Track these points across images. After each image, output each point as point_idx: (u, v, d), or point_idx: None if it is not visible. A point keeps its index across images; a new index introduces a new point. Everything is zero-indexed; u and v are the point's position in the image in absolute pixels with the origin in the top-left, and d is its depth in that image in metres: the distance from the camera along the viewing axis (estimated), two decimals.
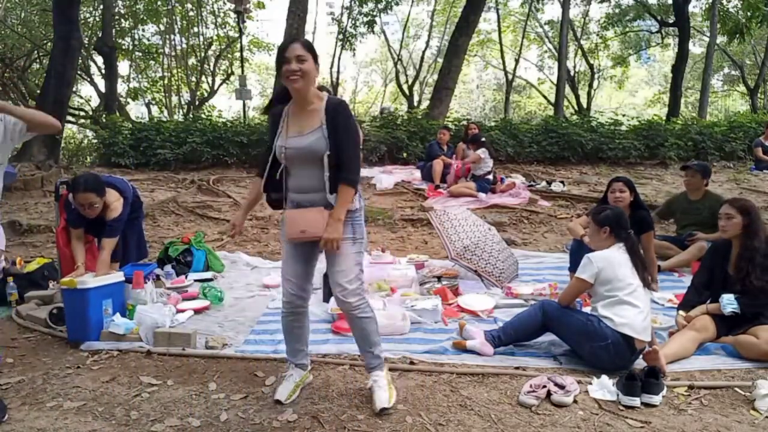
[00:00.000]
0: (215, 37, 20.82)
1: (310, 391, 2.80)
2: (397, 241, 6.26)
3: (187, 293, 4.32)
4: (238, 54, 17.49)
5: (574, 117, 14.16)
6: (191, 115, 14.75)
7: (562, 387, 2.70)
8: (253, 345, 3.46)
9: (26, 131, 2.79)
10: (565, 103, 19.26)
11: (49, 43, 15.82)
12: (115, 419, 2.57)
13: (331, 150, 2.48)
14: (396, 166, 10.07)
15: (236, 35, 17.68)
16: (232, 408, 2.66)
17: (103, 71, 18.99)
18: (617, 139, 10.70)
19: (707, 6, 18.29)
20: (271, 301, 4.28)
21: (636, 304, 3.00)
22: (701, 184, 5.18)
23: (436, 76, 16.92)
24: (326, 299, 4.11)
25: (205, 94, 21.26)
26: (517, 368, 3.06)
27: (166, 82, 21.22)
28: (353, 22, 18.81)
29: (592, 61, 24.30)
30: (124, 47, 19.81)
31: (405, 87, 22.81)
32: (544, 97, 25.73)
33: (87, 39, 17.68)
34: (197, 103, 20.36)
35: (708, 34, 17.51)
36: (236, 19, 15.36)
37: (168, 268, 4.69)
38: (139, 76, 22.01)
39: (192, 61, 21.04)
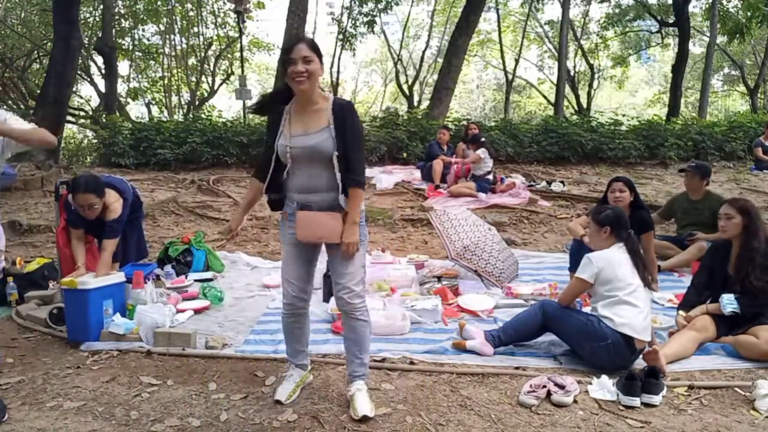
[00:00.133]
0: (215, 37, 20.82)
1: (310, 391, 2.80)
2: (397, 241, 6.26)
3: (187, 293, 4.32)
4: (238, 54, 17.49)
5: (574, 117, 14.17)
6: (191, 115, 14.74)
7: (562, 387, 2.70)
8: (253, 345, 3.46)
9: (18, 144, 2.80)
10: (565, 103, 19.26)
11: (49, 43, 15.81)
12: (115, 419, 2.57)
13: (339, 150, 2.47)
14: (396, 166, 10.07)
15: (236, 35, 17.69)
16: (232, 408, 2.66)
17: (103, 71, 18.99)
18: (617, 139, 10.69)
19: (707, 6, 18.29)
20: (271, 301, 4.28)
21: (636, 304, 3.00)
22: (701, 184, 5.18)
23: (436, 76, 16.92)
24: (326, 299, 4.11)
25: (205, 94, 21.26)
26: (517, 368, 3.07)
27: (166, 82, 21.22)
28: (353, 22, 18.81)
29: (592, 61, 24.29)
30: (124, 47, 19.81)
31: (405, 87, 22.81)
32: (544, 97, 25.72)
33: (87, 39, 17.68)
34: (197, 103, 20.35)
35: (708, 34, 17.51)
36: (236, 19, 15.35)
37: (168, 268, 4.69)
38: (139, 76, 22.01)
39: (192, 61, 21.04)
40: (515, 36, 25.38)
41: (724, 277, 3.42)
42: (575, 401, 2.69)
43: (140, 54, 21.16)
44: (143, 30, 20.70)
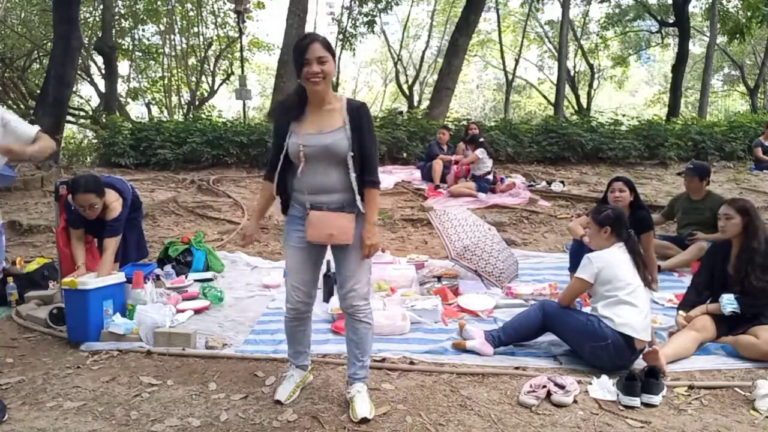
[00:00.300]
0: (215, 37, 20.83)
1: (310, 391, 2.80)
2: (397, 241, 6.26)
3: (187, 293, 4.32)
4: (238, 54, 17.50)
5: (574, 117, 14.14)
6: (191, 115, 14.75)
7: (562, 387, 2.70)
8: (253, 345, 3.46)
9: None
10: (565, 103, 19.25)
11: (49, 43, 15.81)
12: (115, 419, 2.57)
13: (354, 152, 2.46)
14: (396, 166, 10.06)
15: (236, 35, 17.69)
16: (232, 408, 2.66)
17: (103, 71, 19.00)
18: (617, 139, 10.68)
19: (707, 6, 18.32)
20: (271, 301, 4.28)
21: (636, 304, 3.00)
22: (701, 185, 5.19)
23: (436, 76, 16.92)
24: (326, 299, 4.11)
25: (205, 94, 21.26)
26: (517, 368, 3.07)
27: (166, 82, 21.22)
28: (353, 22, 18.82)
29: (592, 61, 24.30)
30: (124, 47, 19.81)
31: (405, 87, 22.81)
32: (544, 97, 25.73)
33: (87, 39, 17.68)
34: (197, 103, 20.35)
35: (708, 34, 17.52)
36: (236, 19, 15.36)
37: (168, 268, 4.69)
38: (139, 76, 22.01)
39: (192, 61, 21.03)
40: (515, 36, 25.38)
41: (724, 277, 3.42)
42: (575, 401, 2.69)
43: (140, 54, 21.16)
44: (143, 30, 20.73)
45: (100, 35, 17.45)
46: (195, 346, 3.36)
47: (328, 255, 2.72)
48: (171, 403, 2.72)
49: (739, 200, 3.55)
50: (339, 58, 19.98)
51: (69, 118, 17.48)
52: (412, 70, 24.42)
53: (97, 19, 18.57)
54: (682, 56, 17.14)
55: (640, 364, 3.00)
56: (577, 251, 4.16)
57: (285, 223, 2.67)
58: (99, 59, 19.07)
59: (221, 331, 3.70)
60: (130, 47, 20.41)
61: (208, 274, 4.87)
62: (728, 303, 3.26)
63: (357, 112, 2.50)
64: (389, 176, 9.07)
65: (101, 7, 17.22)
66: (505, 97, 23.25)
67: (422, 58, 23.46)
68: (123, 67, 20.70)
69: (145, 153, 9.90)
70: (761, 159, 9.71)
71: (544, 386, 2.72)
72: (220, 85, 21.50)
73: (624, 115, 11.70)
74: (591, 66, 24.15)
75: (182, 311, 3.91)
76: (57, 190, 4.29)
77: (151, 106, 21.82)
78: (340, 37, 19.07)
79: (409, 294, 4.19)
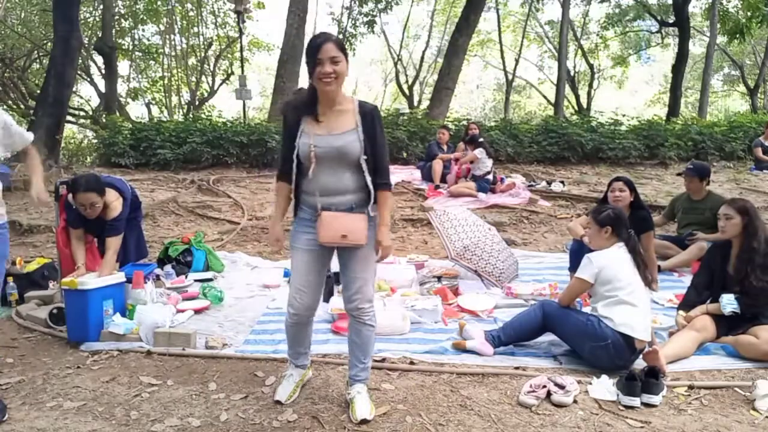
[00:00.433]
0: (215, 37, 20.83)
1: (310, 391, 2.80)
2: (397, 241, 6.26)
3: (187, 293, 4.32)
4: (238, 54, 17.49)
5: (574, 117, 14.14)
6: (191, 115, 14.74)
7: (562, 387, 2.70)
8: (253, 345, 3.46)
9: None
10: (565, 103, 19.26)
11: (49, 43, 15.82)
12: (115, 419, 2.57)
13: (367, 154, 2.45)
14: (396, 166, 10.05)
15: (236, 35, 17.68)
16: (232, 408, 2.66)
17: (103, 71, 19.00)
18: (617, 139, 10.68)
19: (707, 6, 18.31)
20: (271, 301, 4.28)
21: (636, 304, 3.00)
22: (701, 185, 5.19)
23: (436, 76, 16.92)
24: (326, 299, 4.11)
25: (205, 94, 21.26)
26: (517, 368, 3.07)
27: (166, 82, 21.22)
28: (353, 22, 18.82)
29: (592, 61, 24.30)
30: (124, 47, 19.81)
31: (405, 87, 22.81)
32: (544, 97, 25.73)
33: (87, 39, 17.68)
34: (197, 103, 20.35)
35: (708, 34, 17.52)
36: (236, 19, 15.35)
37: (168, 268, 4.69)
38: (139, 76, 22.01)
39: (192, 61, 21.04)
40: (515, 36, 25.39)
41: (724, 277, 3.42)
42: (575, 401, 2.69)
43: (140, 54, 21.16)
44: (143, 30, 20.74)
45: (100, 35, 17.45)
46: (195, 346, 3.36)
47: None
48: (171, 403, 2.72)
49: (739, 200, 3.55)
50: None
51: (69, 118, 17.49)
52: (412, 70, 24.43)
53: (97, 19, 18.57)
54: (682, 56, 17.14)
55: (640, 364, 3.00)
56: (577, 251, 4.16)
57: (293, 224, 2.63)
58: (99, 59, 19.08)
59: (221, 331, 3.70)
60: (130, 47, 20.41)
61: (208, 274, 4.87)
62: (728, 303, 3.26)
63: (370, 115, 2.48)
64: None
65: (101, 7, 17.23)
66: (505, 97, 23.26)
67: (422, 58, 23.47)
68: (123, 67, 20.75)
69: (145, 153, 9.90)
70: (761, 159, 9.71)
71: (544, 386, 2.72)
72: (220, 85, 21.50)
73: (624, 115, 11.69)
74: (591, 66, 24.15)
75: (182, 311, 3.91)
76: (57, 190, 4.29)
77: (151, 106, 21.83)
78: (340, 37, 19.08)
79: (409, 294, 4.19)
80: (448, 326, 3.72)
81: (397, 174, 9.35)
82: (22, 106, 18.24)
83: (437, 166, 8.48)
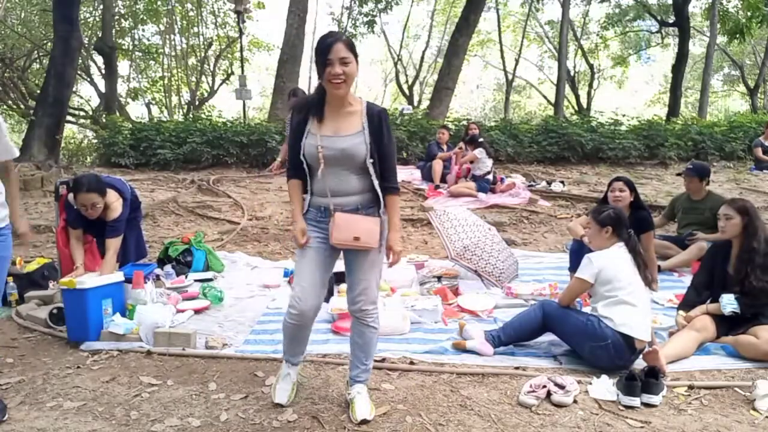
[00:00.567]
0: (215, 37, 20.83)
1: (310, 391, 2.80)
2: None
3: (187, 293, 4.32)
4: (238, 54, 17.49)
5: (574, 117, 14.15)
6: (191, 115, 14.74)
7: (562, 387, 2.70)
8: (253, 345, 3.46)
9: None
10: (565, 103, 19.26)
11: (49, 43, 15.82)
12: (115, 419, 2.57)
13: (373, 156, 2.43)
14: (396, 161, 10.06)
15: (236, 35, 17.68)
16: (232, 408, 2.66)
17: (103, 71, 19.00)
18: (617, 139, 10.69)
19: (707, 6, 18.31)
20: (271, 301, 4.28)
21: (636, 304, 3.00)
22: (701, 185, 5.19)
23: (436, 76, 16.92)
24: (326, 299, 4.10)
25: (205, 94, 21.26)
26: (517, 368, 3.07)
27: (166, 82, 21.23)
28: (353, 22, 18.85)
29: (592, 61, 24.30)
30: (124, 47, 19.81)
31: (405, 87, 22.81)
32: (544, 97, 25.74)
33: (87, 39, 17.68)
34: (197, 103, 20.35)
35: (708, 34, 17.52)
36: (236, 19, 15.36)
37: (168, 268, 4.69)
38: (139, 76, 22.02)
39: (192, 61, 21.04)
40: (515, 36, 25.40)
41: (724, 277, 3.41)
42: (575, 401, 2.69)
43: (140, 54, 21.17)
44: (143, 30, 20.76)
45: (100, 35, 17.46)
46: (195, 346, 3.36)
47: None
48: (171, 403, 2.72)
49: (739, 200, 3.55)
50: None
51: (69, 118, 17.48)
52: (412, 70, 24.44)
53: (97, 19, 18.58)
54: (682, 56, 17.15)
55: (640, 364, 3.00)
56: (577, 251, 4.16)
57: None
58: (99, 59, 19.08)
59: (221, 331, 3.70)
60: (130, 47, 20.41)
61: (208, 274, 4.87)
62: (728, 303, 3.26)
63: (378, 117, 2.45)
64: None
65: (101, 7, 17.23)
66: (505, 97, 23.27)
67: (422, 58, 23.49)
68: (123, 67, 20.76)
69: (145, 153, 9.90)
70: (761, 159, 9.72)
71: (544, 386, 2.72)
72: (220, 85, 21.51)
73: (624, 115, 11.70)
74: (591, 66, 24.16)
75: (182, 311, 3.90)
76: (57, 190, 4.30)
77: (151, 106, 21.84)
78: None
79: (409, 294, 4.19)
80: (448, 326, 3.71)
81: (398, 174, 9.34)
82: (22, 106, 18.26)
83: (437, 166, 8.48)
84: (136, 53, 20.94)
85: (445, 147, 9.11)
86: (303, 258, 2.52)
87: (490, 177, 8.10)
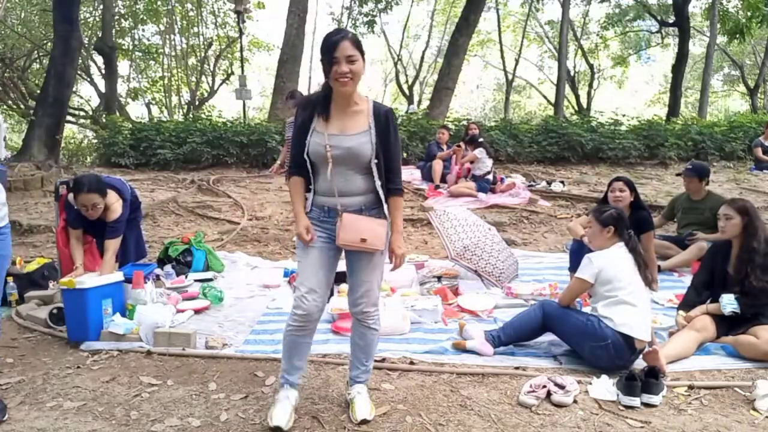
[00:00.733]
0: (215, 37, 20.82)
1: (310, 391, 2.80)
2: None
3: (187, 293, 4.32)
4: (238, 54, 17.49)
5: (574, 117, 14.14)
6: (191, 115, 14.74)
7: (562, 387, 2.70)
8: (253, 345, 3.46)
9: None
10: (565, 103, 19.26)
11: (49, 43, 15.82)
12: (115, 419, 2.57)
13: (378, 157, 2.39)
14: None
15: (236, 35, 17.68)
16: (232, 408, 2.66)
17: (103, 71, 19.00)
18: (617, 139, 10.69)
19: (707, 6, 18.31)
20: (271, 301, 4.28)
21: (636, 304, 3.00)
22: (700, 185, 5.19)
23: (436, 76, 16.92)
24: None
25: (205, 94, 21.26)
26: (517, 368, 3.07)
27: (166, 82, 21.23)
28: (353, 22, 18.83)
29: (592, 61, 24.30)
30: (124, 47, 19.81)
31: (405, 87, 22.81)
32: (544, 97, 25.73)
33: (87, 39, 17.68)
34: (197, 103, 20.35)
35: (708, 34, 17.52)
36: (236, 19, 15.35)
37: (168, 268, 4.69)
38: (139, 76, 22.02)
39: (192, 61, 21.04)
40: (515, 36, 25.40)
41: (724, 277, 3.41)
42: (575, 401, 2.69)
43: (140, 54, 21.17)
44: (143, 30, 20.75)
45: (100, 35, 17.46)
46: (195, 346, 3.36)
47: None
48: (171, 403, 2.72)
49: (738, 200, 3.55)
50: None
51: (69, 118, 17.49)
52: (412, 70, 24.43)
53: (97, 19, 18.58)
54: (682, 56, 17.14)
55: (640, 364, 3.00)
56: (577, 251, 4.16)
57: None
58: (99, 59, 19.08)
59: (221, 331, 3.70)
60: (130, 47, 20.41)
61: (208, 274, 4.87)
62: (728, 303, 3.26)
63: (384, 117, 2.42)
64: None
65: (101, 7, 17.23)
66: (505, 97, 23.27)
67: (422, 58, 23.48)
68: (123, 67, 20.75)
69: (145, 153, 9.90)
70: (761, 159, 9.71)
71: (544, 386, 2.72)
72: (220, 85, 21.50)
73: (624, 115, 11.70)
74: (591, 66, 24.15)
75: (182, 311, 3.91)
76: (57, 190, 4.30)
77: (151, 106, 21.84)
78: None
79: (409, 294, 4.19)
80: (448, 326, 3.72)
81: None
82: (22, 106, 18.26)
83: (437, 166, 8.48)
84: (136, 53, 20.94)
85: (444, 147, 9.11)
86: (306, 258, 2.47)
87: (490, 177, 8.10)
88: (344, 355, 3.19)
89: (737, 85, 27.70)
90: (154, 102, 22.18)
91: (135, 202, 4.41)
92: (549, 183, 8.70)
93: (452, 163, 8.56)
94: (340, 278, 3.95)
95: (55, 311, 3.72)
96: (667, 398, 2.74)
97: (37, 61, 19.42)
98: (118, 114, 15.41)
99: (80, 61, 15.68)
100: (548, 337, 3.31)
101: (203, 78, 21.38)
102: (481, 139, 8.36)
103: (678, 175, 5.45)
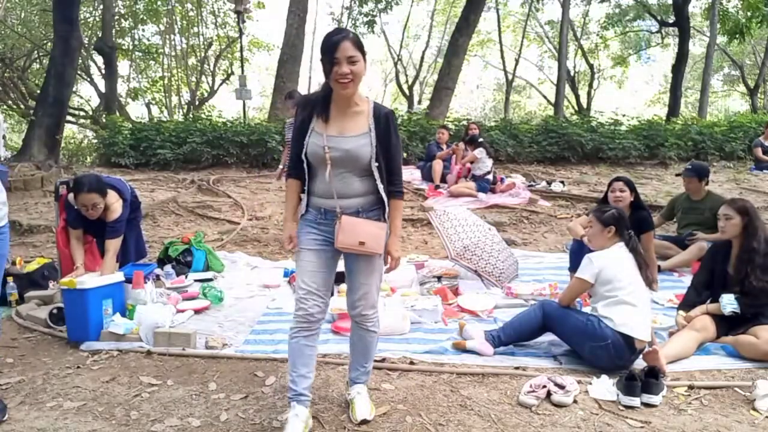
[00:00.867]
0: (215, 37, 20.83)
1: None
2: None
3: (187, 293, 4.32)
4: (238, 54, 17.49)
5: (574, 117, 14.14)
6: (191, 115, 14.74)
7: (562, 387, 2.70)
8: (253, 345, 3.46)
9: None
10: (565, 103, 19.26)
11: (49, 43, 15.83)
12: (115, 419, 2.58)
13: (378, 159, 2.36)
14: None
15: (236, 35, 17.68)
16: (232, 408, 2.66)
17: (103, 71, 19.00)
18: (617, 139, 10.69)
19: (707, 6, 18.31)
20: (271, 301, 4.28)
21: (636, 304, 3.00)
22: (700, 186, 5.19)
23: (436, 76, 16.92)
24: None
25: (205, 94, 21.26)
26: (517, 368, 3.07)
27: (166, 82, 21.23)
28: (353, 22, 18.82)
29: (592, 61, 24.30)
30: (124, 47, 19.81)
31: (405, 87, 22.81)
32: (544, 97, 25.73)
33: (87, 39, 17.68)
34: (197, 103, 20.35)
35: (708, 34, 17.52)
36: (236, 19, 15.35)
37: (168, 268, 4.69)
38: (139, 76, 22.02)
39: (192, 61, 21.04)
40: (515, 36, 25.39)
41: (724, 277, 3.41)
42: (575, 401, 2.69)
43: (140, 54, 21.16)
44: (143, 30, 20.75)
45: (100, 35, 17.45)
46: (195, 346, 3.36)
47: None
48: (171, 403, 2.72)
49: (738, 200, 3.55)
50: None
51: (69, 118, 17.49)
52: (412, 70, 24.43)
53: (97, 19, 18.58)
54: (682, 56, 17.14)
55: (640, 364, 3.00)
56: (577, 251, 4.16)
57: (300, 224, 2.51)
58: (99, 59, 19.08)
59: (221, 331, 3.70)
60: (130, 47, 20.41)
61: (208, 274, 4.87)
62: (728, 303, 3.26)
63: (384, 119, 2.38)
64: None
65: (101, 7, 17.23)
66: (505, 97, 23.26)
67: (422, 58, 23.47)
68: (123, 67, 20.75)
69: (145, 153, 9.90)
70: (761, 159, 9.71)
71: (544, 386, 2.72)
72: (220, 85, 21.50)
73: (624, 115, 11.70)
74: (591, 66, 24.15)
75: (182, 311, 3.91)
76: (57, 190, 4.30)
77: (151, 106, 21.84)
78: None
79: (409, 294, 4.19)
80: (448, 326, 3.72)
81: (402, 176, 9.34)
82: (22, 106, 18.25)
83: (437, 166, 8.49)
84: (136, 53, 20.94)
85: (444, 147, 9.11)
86: (304, 262, 2.43)
87: (490, 177, 8.10)
88: (344, 355, 3.19)
89: (737, 85, 27.71)
90: (154, 102, 22.19)
91: (135, 202, 4.41)
92: (549, 183, 8.70)
93: (452, 163, 8.56)
94: (339, 278, 3.95)
95: (55, 311, 3.72)
96: (667, 398, 2.74)
97: (37, 61, 19.42)
98: (118, 114, 15.41)
99: (80, 61, 15.69)
100: (548, 337, 3.31)
101: (203, 78, 21.39)
102: (481, 139, 8.36)
103: (678, 175, 5.45)
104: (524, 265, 5.07)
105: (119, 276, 3.75)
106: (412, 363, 3.13)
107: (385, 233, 2.41)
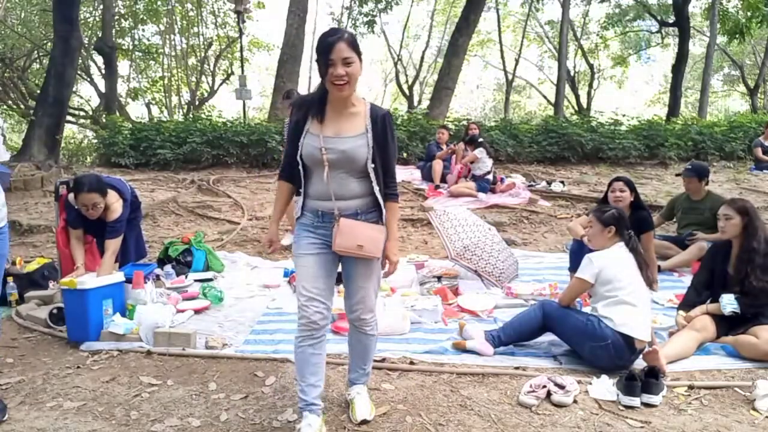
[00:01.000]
0: (215, 37, 20.82)
1: None
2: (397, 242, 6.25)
3: (187, 293, 4.32)
4: (238, 54, 17.49)
5: (574, 117, 14.14)
6: (191, 115, 14.74)
7: (562, 387, 2.70)
8: (253, 345, 3.46)
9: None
10: (565, 103, 19.26)
11: (49, 43, 15.83)
12: (115, 419, 2.58)
13: (374, 160, 2.34)
14: (396, 166, 10.04)
15: (236, 35, 17.68)
16: (232, 408, 2.66)
17: (103, 71, 19.00)
18: (617, 139, 10.69)
19: (707, 6, 18.30)
20: (271, 301, 4.28)
21: (636, 304, 3.00)
22: (700, 186, 5.19)
23: (436, 76, 16.92)
24: None
25: (205, 94, 21.26)
26: (517, 368, 3.07)
27: (166, 82, 21.22)
28: (353, 22, 18.82)
29: (592, 61, 24.30)
30: (124, 47, 19.81)
31: (405, 87, 22.81)
32: (544, 97, 25.73)
33: (87, 39, 17.68)
34: (197, 103, 20.35)
35: (708, 34, 17.52)
36: (236, 19, 15.35)
37: (168, 268, 4.69)
38: (139, 76, 22.01)
39: (192, 61, 21.03)
40: (515, 36, 25.40)
41: (724, 277, 3.42)
42: (575, 401, 2.69)
43: (140, 54, 21.16)
44: (143, 30, 20.74)
45: (100, 35, 17.45)
46: (195, 346, 3.36)
47: None
48: (171, 403, 2.72)
49: (738, 200, 3.55)
50: None
51: (69, 118, 17.49)
52: (412, 70, 24.42)
53: (97, 19, 18.57)
54: (682, 56, 17.14)
55: (640, 364, 3.00)
56: (577, 251, 4.16)
57: (297, 228, 2.49)
58: (99, 59, 19.07)
59: (221, 331, 3.70)
60: (130, 47, 20.41)
61: (208, 274, 4.87)
62: (728, 303, 3.26)
63: (381, 120, 2.35)
64: None
65: (101, 7, 17.22)
66: (505, 97, 23.25)
67: (422, 58, 23.46)
68: (123, 67, 20.75)
69: (145, 153, 9.89)
70: (761, 159, 9.71)
71: (544, 386, 2.72)
72: (220, 85, 21.49)
73: (624, 115, 11.69)
74: (591, 66, 24.14)
75: (182, 311, 3.91)
76: (57, 190, 4.30)
77: (151, 106, 21.83)
78: None
79: (409, 294, 4.19)
80: (448, 326, 3.72)
81: (397, 174, 9.33)
82: (22, 106, 18.26)
83: (437, 166, 8.49)
84: (136, 53, 20.93)
85: (444, 147, 9.11)
86: (303, 266, 2.39)
87: (490, 177, 8.10)
88: (344, 355, 3.18)
89: (737, 85, 27.71)
90: (154, 102, 22.18)
91: (135, 202, 4.41)
92: (549, 183, 8.70)
93: (452, 163, 8.56)
94: (339, 279, 3.96)
95: (55, 311, 3.72)
96: (667, 398, 2.74)
97: (37, 61, 19.42)
98: (118, 114, 15.41)
99: (80, 61, 15.69)
100: (548, 337, 3.31)
101: (203, 78, 21.38)
102: (481, 139, 8.36)
103: (678, 175, 5.45)
104: (524, 265, 5.07)
105: (119, 276, 3.75)
106: (412, 363, 3.13)
107: (384, 237, 2.39)
